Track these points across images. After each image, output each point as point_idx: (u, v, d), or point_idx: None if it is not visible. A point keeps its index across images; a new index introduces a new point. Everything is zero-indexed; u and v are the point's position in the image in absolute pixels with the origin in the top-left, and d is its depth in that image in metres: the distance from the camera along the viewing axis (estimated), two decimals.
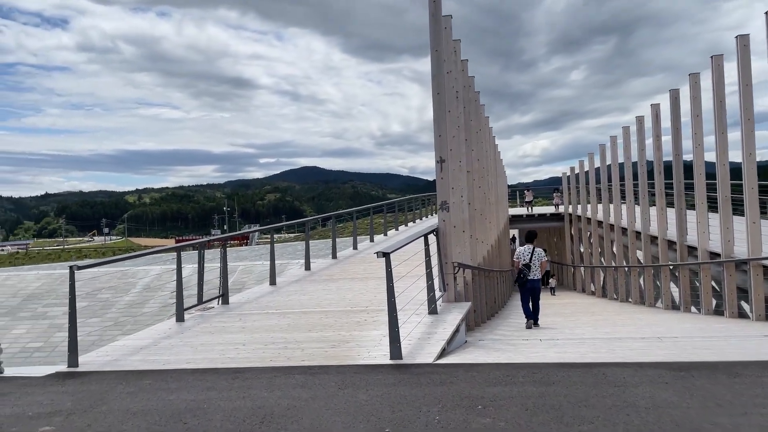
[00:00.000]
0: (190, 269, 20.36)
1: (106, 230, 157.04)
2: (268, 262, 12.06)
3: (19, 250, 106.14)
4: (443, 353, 6.52)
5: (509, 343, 8.25)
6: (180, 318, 8.44)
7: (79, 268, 6.52)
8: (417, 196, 29.60)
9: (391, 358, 6.10)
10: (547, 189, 40.08)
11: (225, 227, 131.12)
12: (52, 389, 5.56)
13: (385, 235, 20.72)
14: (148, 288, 18.65)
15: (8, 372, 6.31)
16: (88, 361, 6.55)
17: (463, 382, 5.26)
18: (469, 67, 12.69)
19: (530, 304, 11.30)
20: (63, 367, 6.36)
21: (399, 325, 6.19)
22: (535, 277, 11.18)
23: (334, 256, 15.42)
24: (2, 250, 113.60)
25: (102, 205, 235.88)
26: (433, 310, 7.97)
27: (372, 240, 19.05)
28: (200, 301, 9.26)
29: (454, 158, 9.32)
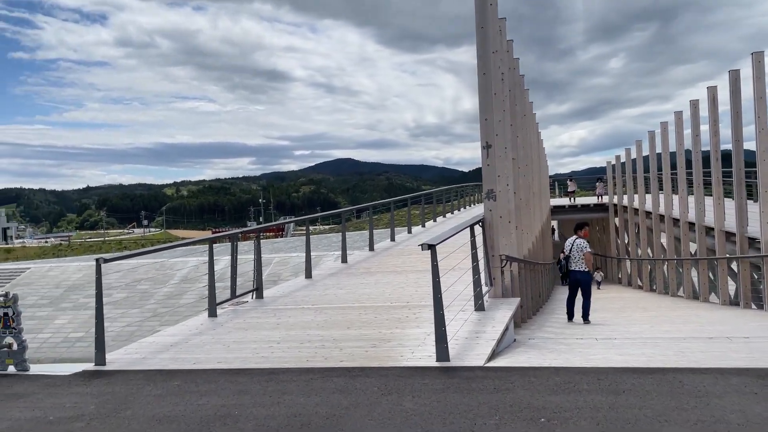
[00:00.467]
0: (225, 262, 20.31)
1: (145, 222, 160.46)
2: (304, 254, 11.66)
3: (62, 242, 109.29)
4: (493, 355, 5.97)
5: (563, 342, 7.63)
6: (212, 313, 8.09)
7: (105, 260, 6.19)
8: (456, 186, 28.90)
9: (438, 360, 5.58)
10: (585, 179, 38.80)
11: (261, 219, 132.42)
12: (76, 390, 5.22)
13: (423, 226, 20.15)
14: (186, 279, 18.60)
15: (34, 370, 6.04)
16: (115, 358, 6.23)
17: (521, 389, 4.71)
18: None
19: (575, 299, 10.69)
20: (90, 365, 6.05)
21: (445, 324, 5.66)
22: (577, 269, 10.54)
23: (371, 248, 14.95)
24: (46, 241, 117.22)
25: (141, 197, 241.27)
26: (480, 307, 7.41)
27: (410, 231, 18.50)
28: (233, 295, 8.90)
29: (500, 144, 8.69)
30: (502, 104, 9.20)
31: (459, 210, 27.54)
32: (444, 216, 23.86)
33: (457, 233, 6.90)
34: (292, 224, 56.62)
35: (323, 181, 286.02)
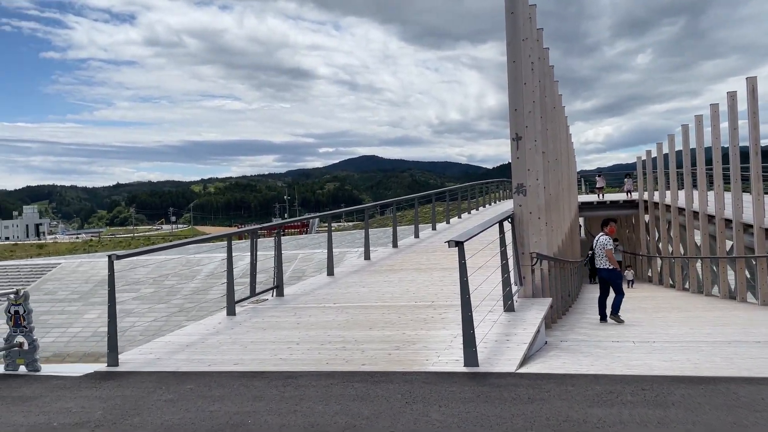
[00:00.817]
0: (249, 258, 20.18)
1: (173, 219, 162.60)
2: (332, 245, 11.32)
3: (92, 238, 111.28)
4: (525, 359, 5.58)
5: (598, 345, 7.19)
6: (231, 311, 7.83)
7: (118, 257, 5.95)
8: (480, 182, 28.36)
9: (466, 365, 5.21)
10: (612, 176, 37.73)
11: (285, 215, 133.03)
12: (85, 393, 4.99)
13: (448, 223, 19.73)
14: (212, 275, 18.54)
15: (45, 370, 5.83)
16: (129, 359, 5.99)
17: (558, 400, 4.31)
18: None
19: (606, 298, 10.26)
20: (102, 366, 5.82)
21: (474, 326, 5.29)
22: (601, 266, 10.14)
23: (395, 245, 14.60)
24: (77, 237, 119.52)
25: (169, 194, 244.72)
26: (509, 307, 7.01)
27: (434, 228, 18.10)
28: (253, 293, 8.64)
29: (530, 136, 8.25)
30: (531, 94, 8.75)
31: (484, 206, 27.01)
32: (469, 213, 23.39)
33: (485, 230, 6.51)
34: (316, 220, 56.59)
35: (347, 178, 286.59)
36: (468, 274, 5.41)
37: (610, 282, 10.11)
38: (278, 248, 9.02)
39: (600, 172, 34.00)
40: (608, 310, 10.23)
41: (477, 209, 25.24)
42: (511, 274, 7.25)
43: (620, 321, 10.03)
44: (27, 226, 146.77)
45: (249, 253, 8.76)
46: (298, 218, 31.54)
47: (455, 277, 9.84)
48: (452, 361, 5.42)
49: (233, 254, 7.82)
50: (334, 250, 11.39)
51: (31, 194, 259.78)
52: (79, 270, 22.74)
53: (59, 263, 26.79)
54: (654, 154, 25.77)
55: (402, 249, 14.20)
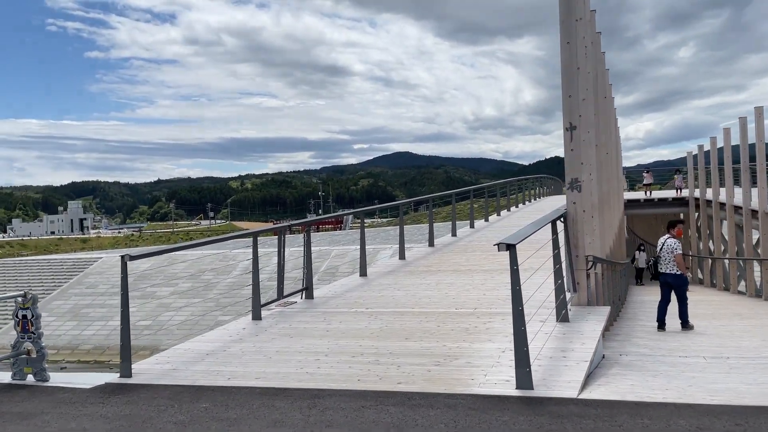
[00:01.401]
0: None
1: (211, 214, 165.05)
2: (365, 243, 10.70)
3: (134, 233, 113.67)
4: (586, 380, 4.84)
5: (664, 360, 6.38)
6: (256, 315, 7.28)
7: (132, 257, 5.45)
8: (520, 178, 27.36)
9: (518, 387, 4.51)
10: (655, 172, 36.01)
11: (320, 212, 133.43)
12: (90, 410, 4.48)
13: (486, 220, 18.89)
14: (248, 270, 18.22)
15: (54, 380, 5.36)
16: (143, 369, 5.48)
17: None
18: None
19: (667, 305, 9.40)
20: (114, 377, 5.32)
21: (528, 343, 4.58)
22: (668, 271, 9.29)
23: (431, 244, 13.89)
24: (119, 232, 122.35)
25: (208, 190, 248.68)
26: (563, 317, 6.26)
27: (472, 226, 17.30)
28: (281, 295, 8.07)
29: (585, 126, 7.45)
30: (586, 80, 7.93)
31: (524, 203, 26.04)
32: (508, 210, 22.49)
33: (538, 230, 5.77)
34: (350, 216, 56.24)
35: (381, 175, 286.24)
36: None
37: (676, 288, 9.28)
38: (308, 247, 8.43)
39: (647, 168, 32.51)
40: (671, 320, 9.38)
41: (516, 206, 24.30)
42: (565, 279, 6.49)
43: (691, 327, 9.31)
44: (72, 221, 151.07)
45: (285, 251, 8.20)
46: (328, 215, 31.18)
47: (498, 281, 9.16)
48: (502, 381, 4.73)
49: (264, 251, 7.27)
50: (367, 246, 10.77)
51: (76, 190, 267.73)
52: (119, 264, 22.69)
53: (100, 257, 27.08)
54: (707, 148, 24.33)
55: (439, 248, 13.48)
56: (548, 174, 37.35)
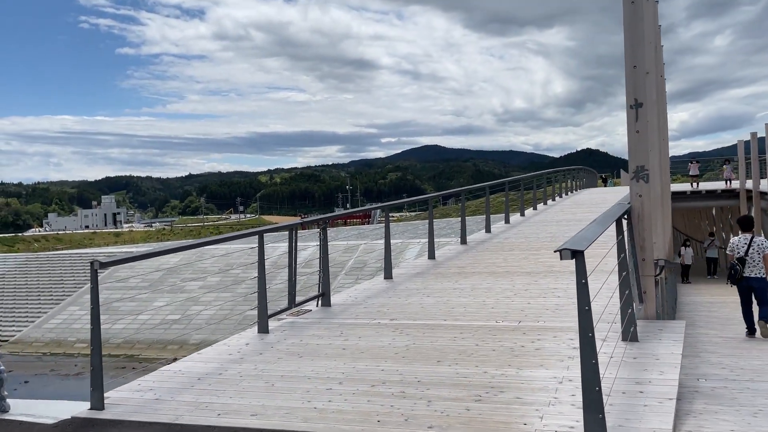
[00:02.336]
0: (309, 252, 19.00)
1: (241, 208, 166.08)
2: (391, 241, 9.65)
3: (165, 227, 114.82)
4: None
5: (756, 389, 5.17)
6: (263, 328, 6.29)
7: (102, 264, 4.50)
8: (558, 170, 25.91)
9: None
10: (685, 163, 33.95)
11: (348, 205, 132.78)
12: None
13: (522, 215, 17.63)
14: (275, 265, 17.48)
15: (16, 410, 4.45)
16: (120, 399, 4.53)
17: None
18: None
19: (751, 309, 8.17)
20: (84, 409, 4.38)
21: (600, 379, 3.46)
22: (755, 275, 8.02)
23: (464, 241, 12.74)
24: (151, 226, 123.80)
25: (238, 184, 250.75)
26: (632, 336, 5.11)
27: (507, 221, 16.07)
28: (292, 303, 7.04)
29: (650, 105, 6.24)
30: (649, 54, 6.69)
31: (560, 196, 24.62)
32: (545, 203, 21.15)
33: (604, 230, 4.61)
34: (378, 211, 55.26)
35: (409, 168, 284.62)
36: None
37: (758, 291, 8.05)
38: (324, 248, 7.40)
39: (694, 158, 30.64)
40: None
41: (553, 199, 22.93)
42: (633, 289, 5.33)
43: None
44: (105, 215, 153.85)
45: (315, 245, 7.23)
46: (352, 210, 30.22)
47: (544, 286, 7.97)
48: (564, 427, 3.63)
49: (300, 243, 6.27)
50: (395, 241, 9.72)
51: (109, 184, 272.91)
52: (149, 259, 22.24)
53: (131, 252, 26.80)
54: (762, 134, 22.55)
55: (472, 246, 12.34)
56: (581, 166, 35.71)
